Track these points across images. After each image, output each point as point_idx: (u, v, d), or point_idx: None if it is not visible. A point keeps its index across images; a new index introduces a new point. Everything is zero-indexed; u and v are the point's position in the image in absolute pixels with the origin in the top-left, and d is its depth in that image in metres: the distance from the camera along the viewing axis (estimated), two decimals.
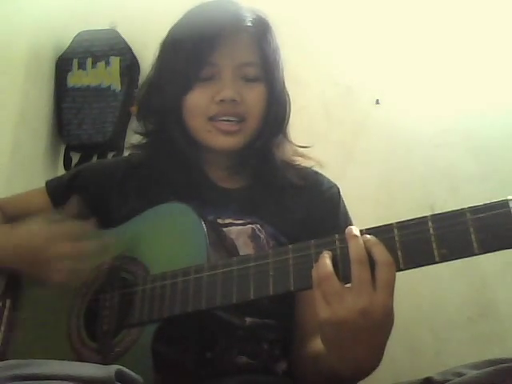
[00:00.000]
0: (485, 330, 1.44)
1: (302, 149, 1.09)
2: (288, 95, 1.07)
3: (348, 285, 0.67)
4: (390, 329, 0.69)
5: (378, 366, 0.71)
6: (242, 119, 0.98)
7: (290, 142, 1.08)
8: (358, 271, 0.66)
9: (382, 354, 0.70)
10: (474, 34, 1.65)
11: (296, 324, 0.95)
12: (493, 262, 1.44)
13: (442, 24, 1.68)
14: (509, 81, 1.60)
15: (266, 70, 1.01)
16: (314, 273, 0.68)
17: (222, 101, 0.96)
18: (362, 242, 0.67)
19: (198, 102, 0.97)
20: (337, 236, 0.71)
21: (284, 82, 1.06)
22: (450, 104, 1.63)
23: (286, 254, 0.73)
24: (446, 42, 1.67)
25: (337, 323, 0.66)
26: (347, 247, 0.68)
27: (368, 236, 0.68)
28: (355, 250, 0.67)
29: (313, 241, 0.72)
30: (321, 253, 0.69)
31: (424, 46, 1.68)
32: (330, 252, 0.69)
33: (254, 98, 0.99)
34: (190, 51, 0.96)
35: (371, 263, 0.66)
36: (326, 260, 0.68)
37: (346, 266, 0.67)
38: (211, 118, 0.97)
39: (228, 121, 0.97)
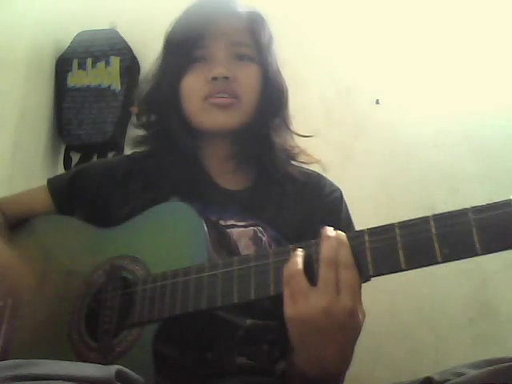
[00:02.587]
0: (485, 330, 1.44)
1: (302, 145, 1.08)
2: (284, 81, 1.06)
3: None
4: (357, 331, 0.69)
5: (346, 369, 0.72)
6: (235, 96, 0.98)
7: (290, 129, 1.08)
8: (324, 271, 0.67)
9: (350, 356, 0.70)
10: (473, 35, 1.65)
11: None
12: (493, 262, 1.44)
13: (442, 24, 1.68)
14: (509, 81, 1.60)
15: (259, 53, 1.01)
16: (285, 271, 0.69)
17: (214, 78, 0.96)
18: (334, 243, 0.68)
19: (193, 84, 0.99)
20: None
21: (279, 70, 1.05)
22: (449, 104, 1.63)
23: (286, 254, 0.72)
24: (446, 42, 1.67)
25: (300, 321, 0.67)
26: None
27: (340, 237, 0.69)
28: (325, 251, 0.68)
29: (313, 240, 0.72)
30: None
31: (424, 46, 1.68)
32: (303, 251, 0.70)
33: (247, 76, 1.00)
34: (182, 38, 0.99)
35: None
36: (297, 258, 0.69)
37: (317, 266, 0.68)
38: (206, 98, 0.98)
39: (222, 97, 0.97)
